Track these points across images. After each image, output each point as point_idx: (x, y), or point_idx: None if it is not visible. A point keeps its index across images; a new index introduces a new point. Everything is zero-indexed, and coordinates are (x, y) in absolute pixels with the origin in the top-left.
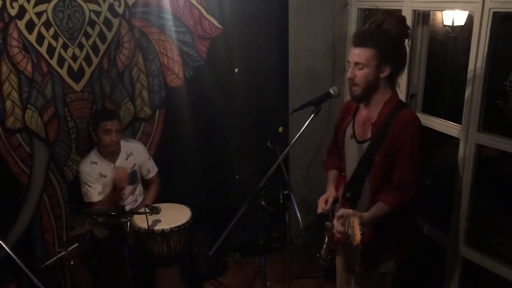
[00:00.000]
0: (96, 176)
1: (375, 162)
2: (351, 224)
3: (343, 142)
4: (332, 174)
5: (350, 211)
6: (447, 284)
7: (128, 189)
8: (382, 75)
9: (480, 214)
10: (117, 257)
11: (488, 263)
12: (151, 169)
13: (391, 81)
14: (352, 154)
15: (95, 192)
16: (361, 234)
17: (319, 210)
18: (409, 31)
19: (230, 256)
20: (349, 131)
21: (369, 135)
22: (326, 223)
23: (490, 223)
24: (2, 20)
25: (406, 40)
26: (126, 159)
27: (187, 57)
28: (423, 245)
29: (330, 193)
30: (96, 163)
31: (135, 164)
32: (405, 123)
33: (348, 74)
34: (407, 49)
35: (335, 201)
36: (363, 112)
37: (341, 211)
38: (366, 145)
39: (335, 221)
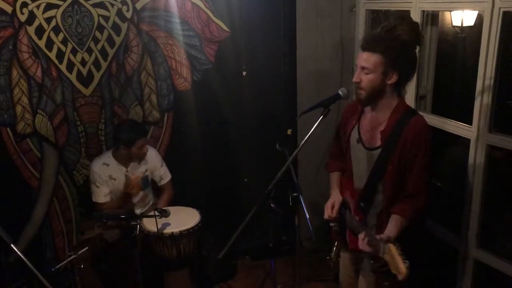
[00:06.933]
0: (105, 178)
1: (388, 172)
2: (388, 252)
3: (348, 145)
4: (336, 176)
5: (386, 237)
6: (459, 286)
7: (139, 195)
8: (389, 82)
9: (492, 215)
10: (126, 261)
11: (500, 265)
12: (163, 176)
13: (398, 87)
14: (361, 160)
15: (101, 193)
16: (404, 265)
17: (326, 216)
18: (421, 38)
19: (240, 260)
20: (354, 134)
21: (378, 142)
22: (333, 227)
23: (502, 225)
24: (12, 26)
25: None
26: (139, 164)
27: (195, 60)
28: (435, 247)
29: (336, 198)
30: (108, 165)
31: (146, 170)
32: (417, 131)
33: (354, 77)
34: (417, 56)
35: (343, 205)
36: (368, 116)
37: (377, 237)
38: (376, 153)
39: (360, 239)
